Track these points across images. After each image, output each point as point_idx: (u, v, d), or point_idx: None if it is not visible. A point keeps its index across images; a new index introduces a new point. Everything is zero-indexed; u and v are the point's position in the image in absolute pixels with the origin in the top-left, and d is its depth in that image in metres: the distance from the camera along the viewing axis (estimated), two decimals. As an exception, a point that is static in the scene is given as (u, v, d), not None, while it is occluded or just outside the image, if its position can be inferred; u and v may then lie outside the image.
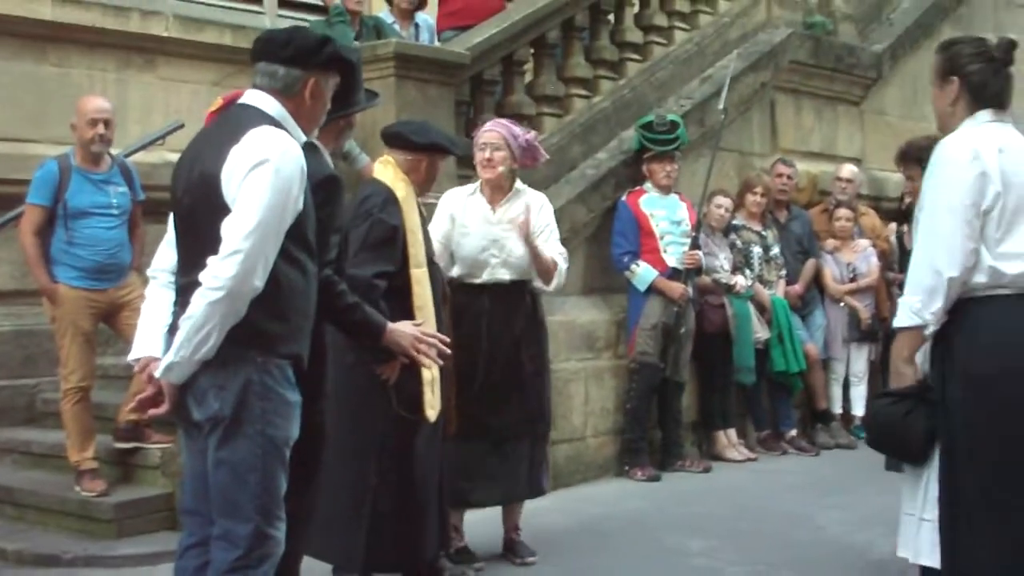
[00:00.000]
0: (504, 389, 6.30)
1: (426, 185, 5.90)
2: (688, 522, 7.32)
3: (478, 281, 6.33)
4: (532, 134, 6.53)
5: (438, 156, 5.88)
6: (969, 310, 4.28)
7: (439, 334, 4.99)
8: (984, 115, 4.44)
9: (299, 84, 4.06)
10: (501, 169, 6.33)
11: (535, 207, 6.44)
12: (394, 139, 5.86)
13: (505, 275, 6.35)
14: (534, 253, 6.29)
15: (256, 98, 4.06)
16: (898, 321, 4.37)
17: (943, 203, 4.28)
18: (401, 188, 5.66)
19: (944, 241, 4.23)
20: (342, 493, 5.41)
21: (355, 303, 4.54)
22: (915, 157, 6.04)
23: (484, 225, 6.35)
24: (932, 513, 4.32)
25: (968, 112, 4.46)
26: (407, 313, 5.38)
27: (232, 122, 3.99)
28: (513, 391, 6.34)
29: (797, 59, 11.04)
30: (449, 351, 5.02)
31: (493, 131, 6.38)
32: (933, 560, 4.32)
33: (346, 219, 5.17)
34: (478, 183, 6.49)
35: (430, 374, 5.52)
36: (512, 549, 6.50)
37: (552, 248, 6.44)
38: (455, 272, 6.35)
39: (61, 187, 6.99)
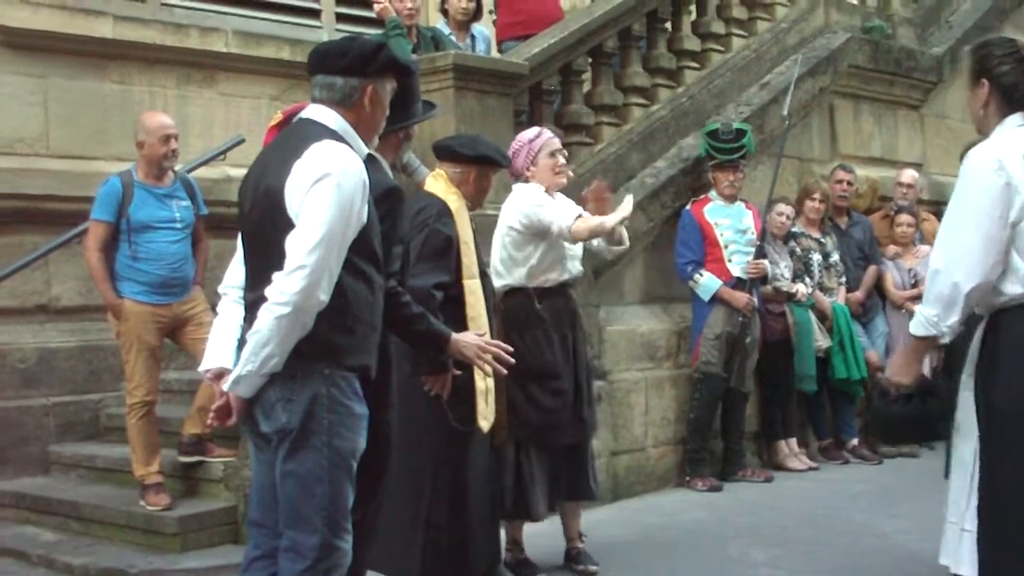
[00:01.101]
0: (578, 391, 6.36)
1: (477, 197, 5.93)
2: (751, 532, 7.27)
3: (567, 276, 6.43)
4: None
5: (488, 168, 5.91)
6: (1013, 320, 4.22)
7: (501, 344, 4.99)
8: (1015, 119, 4.38)
9: (358, 93, 4.09)
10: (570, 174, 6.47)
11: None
12: (444, 152, 5.91)
13: (577, 268, 6.47)
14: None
15: (317, 112, 4.09)
16: (914, 329, 4.33)
17: (966, 214, 4.23)
18: (453, 200, 5.71)
19: (963, 253, 4.19)
20: (398, 506, 5.41)
21: (421, 313, 4.55)
22: None
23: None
24: (973, 524, 4.27)
25: (999, 116, 4.42)
26: (460, 323, 5.40)
27: (295, 137, 4.02)
28: (582, 393, 6.38)
29: (856, 64, 10.97)
30: (512, 360, 5.01)
31: (558, 138, 6.46)
32: (972, 571, 4.28)
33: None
34: (539, 188, 6.42)
35: (484, 384, 5.57)
36: (575, 558, 6.48)
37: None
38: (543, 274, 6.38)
39: (124, 202, 7.03)
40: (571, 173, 6.45)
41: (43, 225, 8.08)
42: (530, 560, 6.41)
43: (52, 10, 8.38)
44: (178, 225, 7.17)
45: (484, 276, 5.82)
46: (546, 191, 6.40)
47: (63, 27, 8.40)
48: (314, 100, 4.14)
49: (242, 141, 8.61)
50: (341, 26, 9.99)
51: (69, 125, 8.48)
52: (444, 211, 5.66)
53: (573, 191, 6.72)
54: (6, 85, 8.22)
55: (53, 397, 8.14)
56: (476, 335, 4.90)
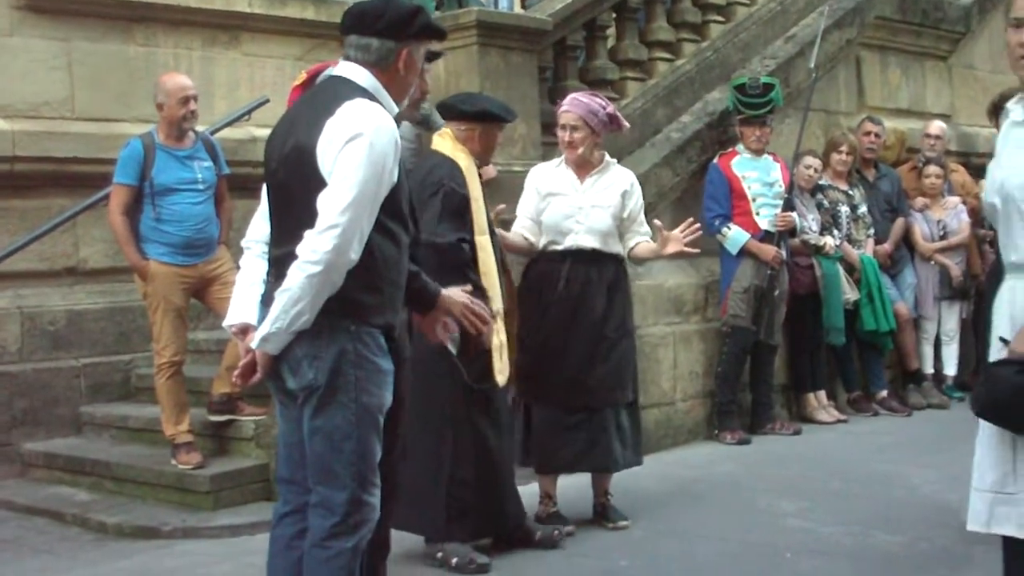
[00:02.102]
0: (584, 356, 6.31)
1: (483, 155, 5.97)
2: (780, 484, 7.28)
3: (560, 247, 6.37)
4: (611, 107, 6.52)
5: (492, 125, 5.93)
6: None
7: (484, 306, 4.78)
8: None
9: (393, 55, 4.05)
10: (581, 150, 6.38)
11: (625, 189, 6.49)
12: (447, 110, 5.96)
13: (587, 242, 6.36)
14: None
15: (350, 70, 4.06)
16: None
17: None
18: (461, 158, 5.79)
19: None
20: (419, 465, 5.46)
21: (416, 271, 4.51)
22: None
23: (571, 194, 6.40)
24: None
25: None
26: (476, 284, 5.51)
27: (327, 95, 4.00)
28: (593, 359, 6.34)
29: (883, 15, 10.88)
30: (489, 326, 4.83)
31: (570, 111, 6.39)
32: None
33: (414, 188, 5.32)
34: (563, 156, 6.51)
35: (498, 340, 5.64)
36: (604, 514, 6.50)
37: (643, 231, 6.54)
38: (541, 241, 6.41)
39: (146, 165, 7.05)
40: (579, 149, 6.37)
41: (70, 188, 8.10)
42: (561, 513, 6.44)
43: (75, -27, 8.38)
44: (200, 186, 7.18)
45: (492, 233, 5.88)
46: (565, 162, 6.49)
47: (87, -11, 8.41)
48: (347, 59, 4.10)
49: (267, 101, 8.62)
50: (366, -16, 9.95)
51: (94, 88, 8.48)
52: (455, 169, 5.74)
53: (606, 145, 6.69)
54: (31, 49, 8.22)
55: (83, 359, 8.18)
56: (462, 292, 4.83)
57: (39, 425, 7.93)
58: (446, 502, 5.71)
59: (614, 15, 9.22)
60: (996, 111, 6.09)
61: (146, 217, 7.07)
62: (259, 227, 4.27)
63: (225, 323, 4.28)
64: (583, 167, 6.45)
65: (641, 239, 6.53)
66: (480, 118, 5.86)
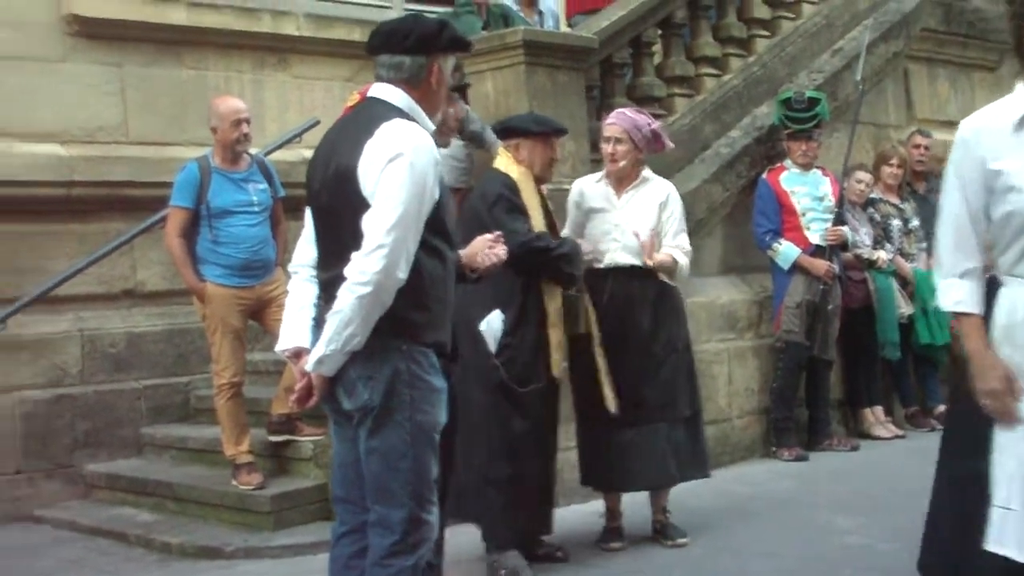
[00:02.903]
0: (632, 374, 6.33)
1: (537, 169, 6.11)
2: (837, 500, 7.25)
3: (601, 266, 6.42)
4: (657, 123, 6.56)
5: (533, 139, 6.08)
6: None
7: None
8: None
9: (424, 71, 4.11)
10: (623, 163, 6.43)
11: (661, 201, 6.51)
12: (500, 131, 6.29)
13: (625, 259, 6.40)
14: (657, 266, 6.40)
15: (384, 91, 4.11)
16: None
17: None
18: (514, 171, 6.03)
19: None
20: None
21: None
22: None
23: (609, 210, 6.46)
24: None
25: None
26: (531, 285, 5.89)
27: (364, 117, 4.05)
28: (642, 376, 6.36)
29: (929, 27, 10.86)
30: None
31: (615, 124, 6.46)
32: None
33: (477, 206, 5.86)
34: (604, 170, 6.56)
35: (556, 336, 5.92)
36: (662, 531, 6.51)
37: (677, 243, 6.52)
38: (586, 258, 6.41)
39: (203, 188, 7.13)
40: (620, 162, 6.44)
41: (126, 212, 8.20)
42: (621, 529, 6.48)
43: (127, -1, 8.50)
44: (256, 208, 7.25)
45: None
46: (606, 176, 6.56)
47: (138, 15, 8.50)
48: (379, 79, 4.16)
49: (317, 123, 8.67)
50: (410, 5, 10.02)
51: (147, 112, 8.58)
52: (508, 180, 5.98)
53: (650, 164, 6.72)
54: (85, 75, 8.33)
55: (144, 380, 8.28)
56: (484, 239, 4.86)
57: (101, 447, 8.03)
58: (485, 503, 5.85)
59: (660, 32, 9.22)
60: None
61: (203, 239, 7.14)
62: (305, 251, 4.30)
63: (278, 348, 4.32)
64: (622, 182, 6.50)
65: (670, 251, 6.48)
66: (515, 133, 6.10)
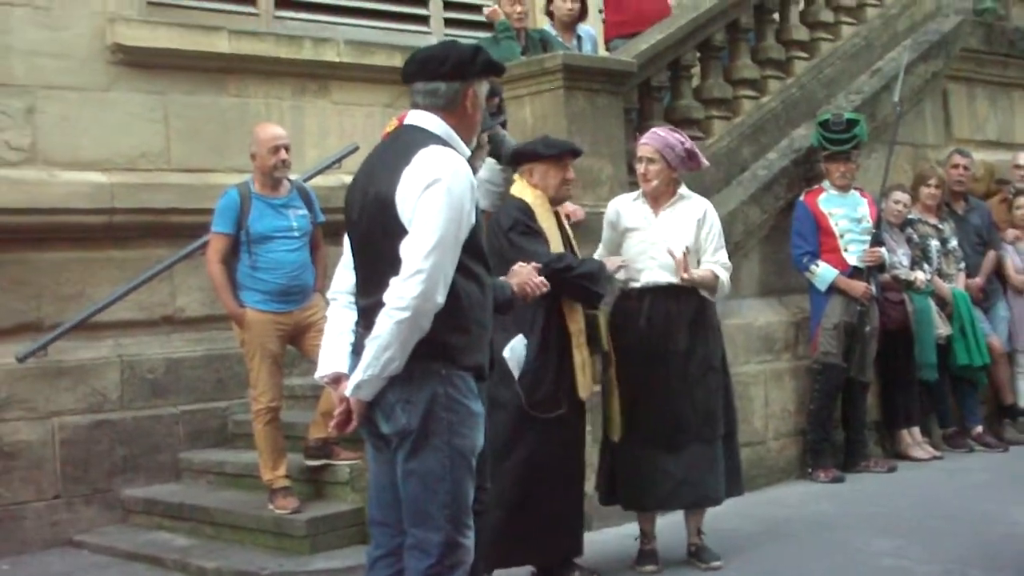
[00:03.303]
0: (669, 393, 6.34)
1: (552, 192, 6.16)
2: (874, 522, 7.22)
3: (638, 285, 6.45)
4: (691, 142, 6.59)
5: (542, 163, 6.13)
6: None
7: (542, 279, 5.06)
8: None
9: (460, 97, 4.16)
10: (655, 183, 6.47)
11: (698, 218, 6.53)
12: (511, 158, 6.49)
13: (662, 277, 6.41)
14: (692, 281, 6.39)
15: (421, 118, 4.17)
16: None
17: None
18: (528, 195, 6.12)
19: None
20: None
21: None
22: None
23: (645, 228, 6.49)
24: None
25: None
26: (552, 308, 5.90)
27: (401, 143, 4.10)
28: (680, 395, 6.36)
29: (969, 47, 10.84)
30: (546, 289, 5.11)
31: (647, 144, 6.51)
32: None
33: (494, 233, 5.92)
34: (641, 190, 6.59)
35: (580, 357, 5.96)
36: (696, 555, 6.50)
37: (716, 259, 6.52)
38: (621, 277, 6.48)
39: (243, 214, 7.19)
40: (653, 182, 6.47)
41: (167, 238, 8.27)
42: (656, 551, 6.48)
43: (170, 27, 8.58)
44: (296, 234, 7.30)
45: None
46: (643, 195, 6.59)
47: (181, 44, 8.59)
48: (415, 106, 4.22)
49: (356, 149, 8.74)
50: (450, 31, 10.09)
51: (189, 140, 8.67)
52: (522, 205, 6.06)
53: (689, 187, 6.73)
54: (128, 103, 8.42)
55: (182, 406, 8.33)
56: (527, 268, 5.04)
57: (140, 471, 8.08)
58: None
59: (698, 55, 9.25)
60: None
61: (242, 265, 7.20)
62: (344, 278, 4.35)
63: (317, 374, 4.36)
64: (658, 200, 6.52)
65: (710, 267, 6.50)
66: (526, 158, 6.20)
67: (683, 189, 6.62)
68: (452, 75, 4.15)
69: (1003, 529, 6.92)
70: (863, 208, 8.76)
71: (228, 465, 7.96)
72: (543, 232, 6.01)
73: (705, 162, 6.73)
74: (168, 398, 8.29)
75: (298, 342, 7.38)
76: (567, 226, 6.33)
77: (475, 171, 6.25)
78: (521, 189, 6.17)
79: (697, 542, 6.53)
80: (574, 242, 6.30)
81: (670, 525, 6.64)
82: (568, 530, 6.13)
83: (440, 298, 3.85)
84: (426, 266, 3.80)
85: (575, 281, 5.95)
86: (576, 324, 6.03)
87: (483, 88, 4.31)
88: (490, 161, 7.17)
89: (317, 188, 7.98)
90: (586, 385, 6.04)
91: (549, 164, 6.12)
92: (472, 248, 4.03)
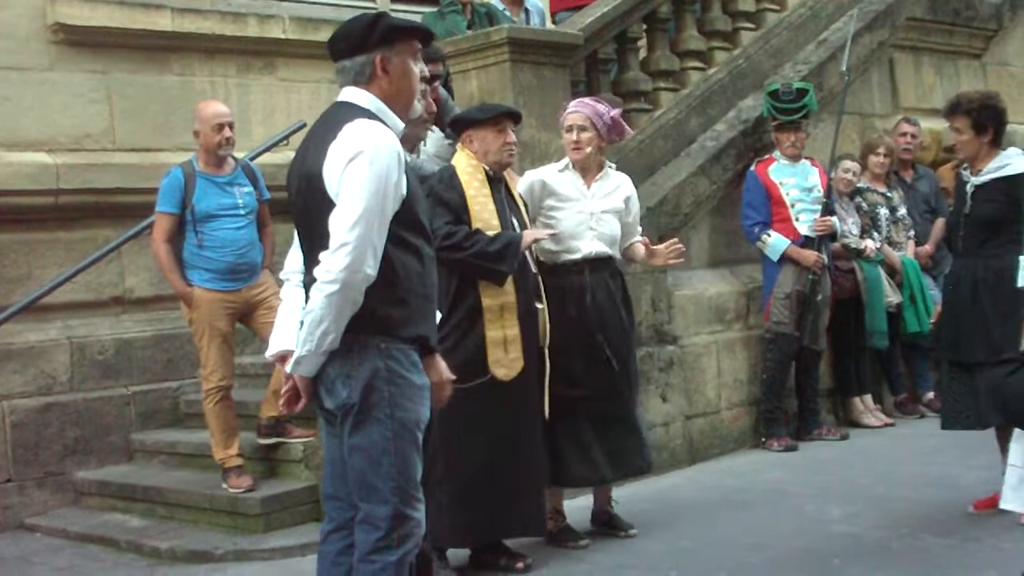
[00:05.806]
0: (610, 367, 6.34)
1: (493, 156, 6.05)
2: (827, 490, 7.28)
3: (578, 256, 6.40)
4: (617, 111, 6.57)
5: (485, 127, 6.05)
6: None
7: None
8: None
9: (369, 67, 4.09)
10: (588, 150, 6.45)
11: (627, 194, 6.60)
12: (449, 129, 6.46)
13: (601, 249, 6.43)
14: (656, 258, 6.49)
15: (351, 94, 4.13)
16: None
17: None
18: (462, 162, 6.05)
19: None
20: None
21: None
22: (965, 110, 6.36)
23: (581, 200, 6.45)
24: None
25: None
26: (467, 282, 5.86)
27: (331, 120, 4.08)
28: (620, 369, 6.38)
29: (914, 16, 10.86)
30: None
31: (578, 112, 6.48)
32: None
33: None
34: (566, 160, 6.56)
35: (501, 334, 5.84)
36: (611, 523, 6.54)
37: (637, 232, 6.68)
38: (553, 248, 6.40)
39: (187, 193, 7.15)
40: (586, 149, 6.44)
41: (114, 218, 8.23)
42: (572, 527, 6.47)
43: (111, 6, 8.48)
44: (242, 211, 7.27)
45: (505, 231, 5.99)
46: (571, 166, 6.52)
47: (123, 22, 8.51)
48: (341, 85, 4.19)
49: (304, 126, 8.68)
50: (396, 6, 10.02)
51: (134, 119, 8.60)
52: (446, 172, 6.03)
53: (637, 159, 6.74)
54: (70, 83, 8.35)
55: (133, 386, 8.29)
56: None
57: (91, 453, 8.03)
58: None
59: (644, 27, 9.23)
60: (954, 111, 6.30)
61: (189, 244, 7.16)
62: (295, 258, 4.33)
63: (267, 353, 4.35)
64: (588, 172, 6.51)
65: (637, 240, 6.61)
66: (464, 125, 6.14)
67: (606, 162, 6.63)
68: (353, 50, 4.10)
69: (953, 494, 6.96)
70: (814, 177, 8.80)
71: (180, 445, 7.93)
72: (453, 202, 5.88)
73: (630, 131, 6.73)
74: (119, 379, 8.24)
75: (248, 320, 7.36)
76: (516, 193, 6.25)
77: (421, 141, 6.25)
78: (457, 158, 6.12)
79: (610, 511, 6.57)
80: (523, 211, 6.24)
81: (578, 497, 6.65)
82: (509, 505, 5.99)
83: (370, 270, 3.83)
84: (351, 238, 3.79)
85: (467, 260, 5.81)
86: (491, 300, 5.88)
87: (403, 55, 4.15)
88: (438, 134, 7.14)
89: (265, 166, 7.94)
90: (504, 363, 5.88)
91: (487, 129, 6.03)
92: (409, 220, 4.01)
